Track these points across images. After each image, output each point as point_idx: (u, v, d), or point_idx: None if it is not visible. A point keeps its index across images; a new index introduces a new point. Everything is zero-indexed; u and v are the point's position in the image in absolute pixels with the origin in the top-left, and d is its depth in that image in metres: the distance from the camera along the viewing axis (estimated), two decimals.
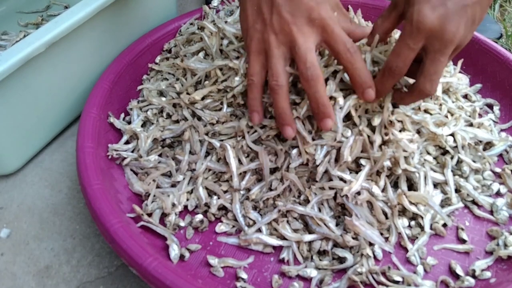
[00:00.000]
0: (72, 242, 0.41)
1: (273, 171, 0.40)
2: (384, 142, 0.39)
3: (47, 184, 0.46)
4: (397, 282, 0.35)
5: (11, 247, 0.41)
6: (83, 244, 0.41)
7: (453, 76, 0.49)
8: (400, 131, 0.40)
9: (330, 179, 0.39)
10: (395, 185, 0.40)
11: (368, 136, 0.39)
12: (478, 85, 0.53)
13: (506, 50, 0.53)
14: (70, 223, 0.43)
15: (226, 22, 0.52)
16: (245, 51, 0.42)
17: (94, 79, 0.50)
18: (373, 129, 0.39)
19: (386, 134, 0.38)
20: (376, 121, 0.39)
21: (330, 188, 0.38)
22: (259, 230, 0.38)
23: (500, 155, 0.46)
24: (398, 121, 0.40)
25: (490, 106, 0.51)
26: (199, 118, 0.44)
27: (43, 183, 0.46)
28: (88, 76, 0.50)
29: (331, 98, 0.37)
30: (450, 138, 0.43)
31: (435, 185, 0.41)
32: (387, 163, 0.38)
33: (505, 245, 0.37)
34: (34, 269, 0.39)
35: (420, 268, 0.36)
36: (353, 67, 0.35)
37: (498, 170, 0.44)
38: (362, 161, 0.39)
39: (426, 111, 0.44)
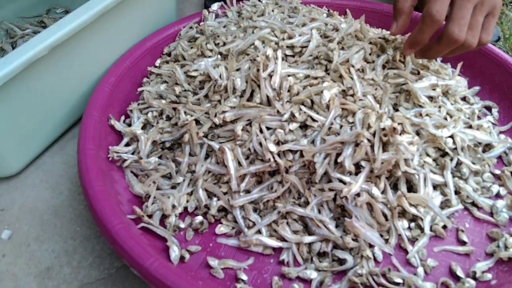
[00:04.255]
0: (73, 244, 0.41)
1: (272, 173, 0.41)
2: (384, 144, 0.39)
3: (48, 186, 0.46)
4: (397, 284, 0.35)
5: (12, 249, 0.41)
6: (83, 245, 0.41)
7: (451, 79, 0.50)
8: (400, 133, 0.40)
9: (330, 181, 0.39)
10: (395, 187, 0.40)
11: (368, 140, 0.39)
12: (477, 88, 0.53)
13: (504, 52, 0.53)
14: (70, 224, 0.43)
15: (224, 26, 0.53)
16: None
17: (95, 82, 0.50)
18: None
19: (385, 136, 0.39)
20: (375, 126, 0.39)
21: (330, 190, 0.38)
22: (259, 232, 0.38)
23: (500, 157, 0.46)
24: (398, 123, 0.41)
25: (489, 109, 0.51)
26: (198, 121, 0.44)
27: (44, 185, 0.47)
28: (89, 79, 0.51)
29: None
30: (450, 140, 0.43)
31: (435, 187, 0.42)
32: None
33: (506, 247, 0.37)
34: (35, 271, 0.39)
35: (420, 270, 0.36)
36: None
37: (497, 172, 0.44)
38: (362, 163, 0.39)
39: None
